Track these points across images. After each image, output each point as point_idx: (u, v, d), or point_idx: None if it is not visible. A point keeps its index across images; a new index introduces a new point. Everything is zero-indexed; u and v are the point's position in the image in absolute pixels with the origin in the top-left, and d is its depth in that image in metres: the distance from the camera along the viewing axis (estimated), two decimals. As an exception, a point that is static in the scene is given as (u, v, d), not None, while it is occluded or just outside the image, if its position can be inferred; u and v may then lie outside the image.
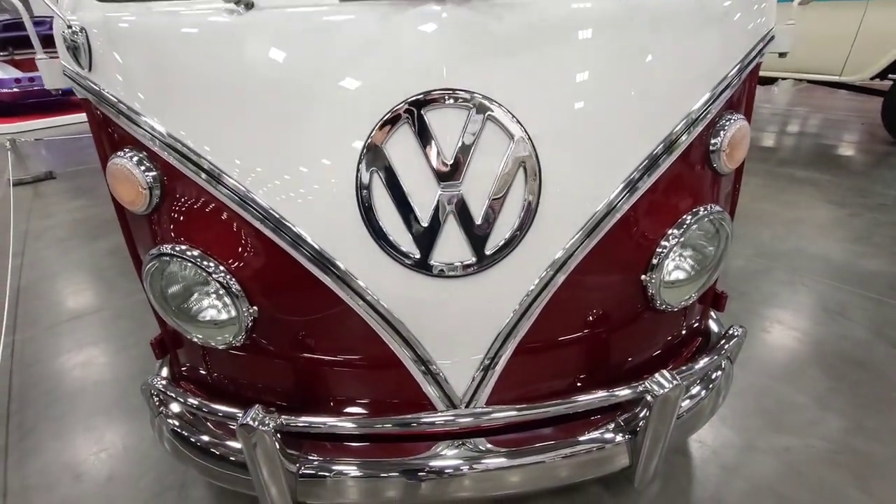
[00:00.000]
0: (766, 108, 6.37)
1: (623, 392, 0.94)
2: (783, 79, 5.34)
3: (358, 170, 0.81)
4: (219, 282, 0.88)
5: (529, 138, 0.82)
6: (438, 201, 0.82)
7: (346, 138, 0.81)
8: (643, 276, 0.96)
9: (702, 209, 0.96)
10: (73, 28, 0.86)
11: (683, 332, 1.18)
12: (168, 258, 0.89)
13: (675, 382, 0.92)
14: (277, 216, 0.83)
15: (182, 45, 0.84)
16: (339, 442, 0.99)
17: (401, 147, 0.80)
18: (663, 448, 0.97)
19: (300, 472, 0.94)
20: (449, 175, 0.81)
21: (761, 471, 1.32)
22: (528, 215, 0.85)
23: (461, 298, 0.89)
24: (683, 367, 1.02)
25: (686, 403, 1.05)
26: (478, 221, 0.83)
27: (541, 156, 0.83)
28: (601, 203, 0.87)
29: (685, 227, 0.94)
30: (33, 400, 1.67)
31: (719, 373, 1.12)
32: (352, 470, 0.93)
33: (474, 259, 0.85)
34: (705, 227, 0.99)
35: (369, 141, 0.80)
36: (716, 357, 1.06)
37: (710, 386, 1.09)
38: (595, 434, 0.99)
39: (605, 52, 0.85)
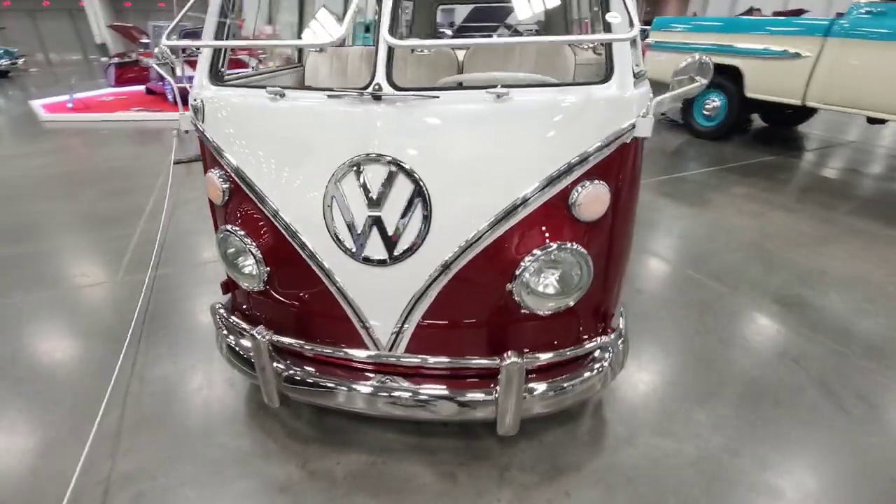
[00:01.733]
0: (881, 150, 5.82)
1: (479, 361, 1.42)
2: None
3: (324, 196, 1.38)
4: (251, 251, 1.52)
5: (425, 186, 1.32)
6: (366, 219, 1.36)
7: (320, 178, 1.38)
8: (508, 285, 1.41)
9: (556, 244, 1.37)
10: (196, 99, 1.55)
11: (557, 332, 1.58)
12: (228, 233, 1.55)
13: (515, 360, 1.37)
14: (283, 219, 1.44)
15: (245, 114, 1.49)
16: (309, 361, 1.59)
17: (348, 185, 1.36)
18: (513, 407, 1.42)
19: (284, 374, 1.55)
20: (374, 204, 1.35)
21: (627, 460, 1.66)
22: (422, 234, 1.36)
23: (382, 282, 1.43)
24: (541, 355, 1.45)
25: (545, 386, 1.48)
26: (390, 234, 1.37)
27: (432, 198, 1.33)
28: (472, 232, 1.35)
29: (539, 255, 1.37)
30: (162, 316, 2.53)
31: (590, 372, 1.52)
32: (313, 378, 1.52)
33: (387, 257, 1.38)
34: (559, 258, 1.40)
35: (332, 180, 1.37)
36: (569, 355, 1.47)
37: (580, 376, 1.50)
38: (472, 391, 1.47)
39: (481, 133, 1.33)
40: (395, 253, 1.38)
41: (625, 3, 1.35)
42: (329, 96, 1.37)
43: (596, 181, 1.38)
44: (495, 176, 1.36)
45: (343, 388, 1.51)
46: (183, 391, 1.97)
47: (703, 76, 1.42)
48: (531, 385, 1.48)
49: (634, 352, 2.10)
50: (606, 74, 1.38)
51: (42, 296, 2.71)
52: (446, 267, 1.39)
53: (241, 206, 1.56)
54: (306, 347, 1.54)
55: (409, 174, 1.33)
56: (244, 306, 1.79)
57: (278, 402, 1.58)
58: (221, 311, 1.73)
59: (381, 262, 1.40)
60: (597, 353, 1.58)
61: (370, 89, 1.30)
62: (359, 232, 1.39)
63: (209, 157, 1.62)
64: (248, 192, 1.50)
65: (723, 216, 3.76)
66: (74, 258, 3.22)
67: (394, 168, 1.33)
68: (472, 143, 1.34)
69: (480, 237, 1.36)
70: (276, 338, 1.53)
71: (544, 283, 1.43)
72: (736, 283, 2.76)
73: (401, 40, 1.23)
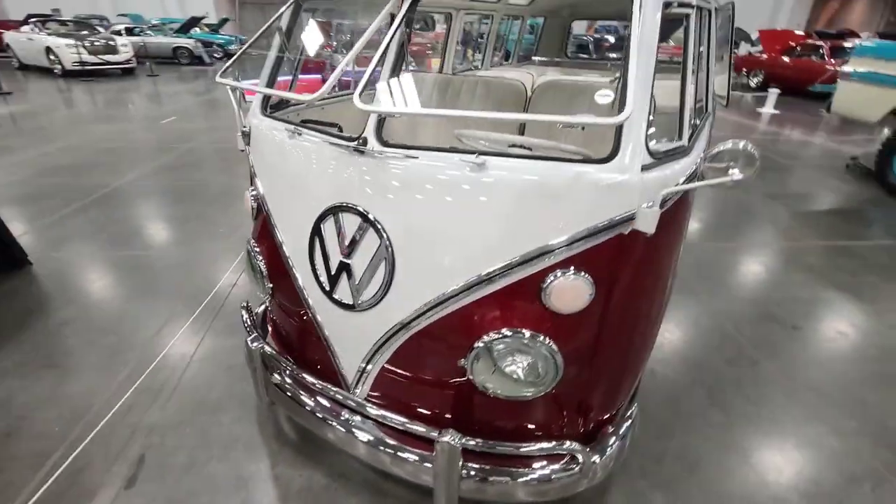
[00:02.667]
0: None
1: (417, 427, 1.37)
2: None
3: (311, 234, 1.45)
4: (259, 266, 1.68)
5: (390, 244, 1.31)
6: (339, 264, 1.40)
7: (311, 216, 1.46)
8: (461, 360, 1.32)
9: (514, 330, 1.24)
10: (247, 125, 1.75)
11: (517, 421, 1.43)
12: (249, 245, 1.74)
13: (448, 440, 1.29)
14: (284, 248, 1.57)
15: (271, 145, 1.63)
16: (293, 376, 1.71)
17: (328, 228, 1.41)
18: (444, 484, 1.35)
19: (271, 381, 1.69)
20: (346, 252, 1.38)
21: None
22: (383, 290, 1.35)
23: (350, 324, 1.46)
24: (482, 440, 1.34)
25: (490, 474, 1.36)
26: (356, 282, 1.39)
27: (395, 256, 1.31)
28: (430, 298, 1.29)
29: (494, 338, 1.25)
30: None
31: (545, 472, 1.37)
32: (292, 391, 1.63)
33: (353, 303, 1.41)
34: (519, 346, 1.26)
35: (315, 221, 1.43)
36: (522, 452, 1.34)
37: (530, 475, 1.36)
38: (413, 453, 1.43)
39: (451, 200, 1.25)
40: (359, 301, 1.40)
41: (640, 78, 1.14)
42: (330, 142, 1.43)
43: (575, 272, 1.21)
44: (461, 247, 1.28)
45: (313, 409, 1.60)
46: (226, 364, 2.28)
47: (743, 168, 1.13)
48: (473, 467, 1.38)
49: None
50: (611, 153, 1.18)
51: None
52: (403, 326, 1.36)
53: (261, 225, 1.73)
54: (286, 365, 1.66)
55: (378, 229, 1.33)
56: (263, 310, 2.00)
57: (267, 400, 1.74)
58: (245, 309, 1.94)
59: (349, 307, 1.43)
60: (575, 456, 1.39)
61: (356, 142, 1.32)
62: (332, 274, 1.44)
63: (250, 176, 1.83)
64: (266, 214, 1.66)
65: (885, 323, 2.82)
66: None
67: (364, 221, 1.34)
68: (441, 209, 1.27)
69: (437, 305, 1.30)
70: (266, 348, 1.68)
71: (502, 368, 1.32)
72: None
73: (370, 105, 1.20)
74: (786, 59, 12.03)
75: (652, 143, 1.25)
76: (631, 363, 1.52)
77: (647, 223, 1.17)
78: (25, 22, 12.98)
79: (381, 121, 1.32)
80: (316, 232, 1.44)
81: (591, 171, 1.18)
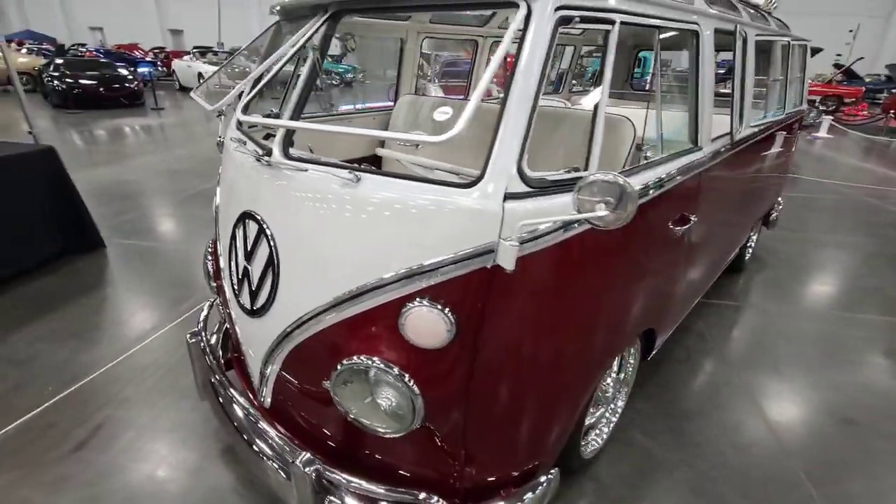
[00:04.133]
0: None
1: (266, 448, 1.33)
2: None
3: (230, 239, 1.52)
4: (207, 267, 1.80)
5: (276, 252, 1.32)
6: (243, 268, 1.45)
7: (231, 223, 1.53)
8: (325, 382, 1.27)
9: (368, 358, 1.16)
10: (222, 136, 1.90)
11: (389, 459, 1.32)
12: (206, 249, 1.87)
13: (300, 465, 1.24)
14: (220, 250, 1.66)
15: (227, 156, 1.74)
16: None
17: (239, 233, 1.47)
18: None
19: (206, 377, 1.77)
20: (247, 257, 1.42)
21: None
22: (272, 297, 1.36)
23: (251, 328, 1.49)
24: (338, 474, 1.26)
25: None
26: (253, 288, 1.42)
27: (280, 265, 1.32)
28: (302, 312, 1.27)
29: (346, 364, 1.19)
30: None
31: None
32: (219, 387, 1.68)
33: (251, 308, 1.44)
34: (376, 376, 1.18)
35: (233, 226, 1.50)
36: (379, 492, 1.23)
37: None
38: (277, 462, 1.39)
39: (322, 215, 1.23)
40: (256, 306, 1.42)
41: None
42: (256, 156, 1.48)
43: (432, 302, 1.11)
44: (335, 262, 1.24)
45: (224, 406, 1.64)
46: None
47: (617, 206, 0.96)
48: (334, 501, 1.30)
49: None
50: (478, 176, 1.08)
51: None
52: (286, 336, 1.35)
53: (215, 227, 1.85)
54: (214, 361, 1.73)
55: (268, 237, 1.35)
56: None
57: (200, 396, 1.82)
58: (208, 306, 2.06)
59: (248, 312, 1.46)
60: None
61: (263, 153, 1.37)
62: (239, 278, 1.49)
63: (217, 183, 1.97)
64: (216, 219, 1.78)
65: None
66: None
67: (259, 228, 1.37)
68: (318, 222, 1.25)
69: (311, 319, 1.27)
70: (202, 343, 1.77)
71: (355, 396, 1.23)
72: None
73: (250, 118, 1.24)
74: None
75: (542, 172, 1.12)
76: (531, 420, 1.33)
77: (506, 258, 1.04)
78: (188, 52, 15.66)
79: (289, 134, 1.36)
80: (233, 237, 1.51)
81: (455, 194, 1.08)
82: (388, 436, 1.23)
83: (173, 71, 15.73)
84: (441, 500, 1.24)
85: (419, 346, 1.15)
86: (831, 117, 11.18)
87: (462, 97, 3.26)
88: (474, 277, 1.09)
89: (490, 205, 1.04)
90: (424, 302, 1.11)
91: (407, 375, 1.15)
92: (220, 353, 1.83)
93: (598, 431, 1.89)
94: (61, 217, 3.38)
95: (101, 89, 10.97)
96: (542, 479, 1.39)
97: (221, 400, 1.62)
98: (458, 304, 1.11)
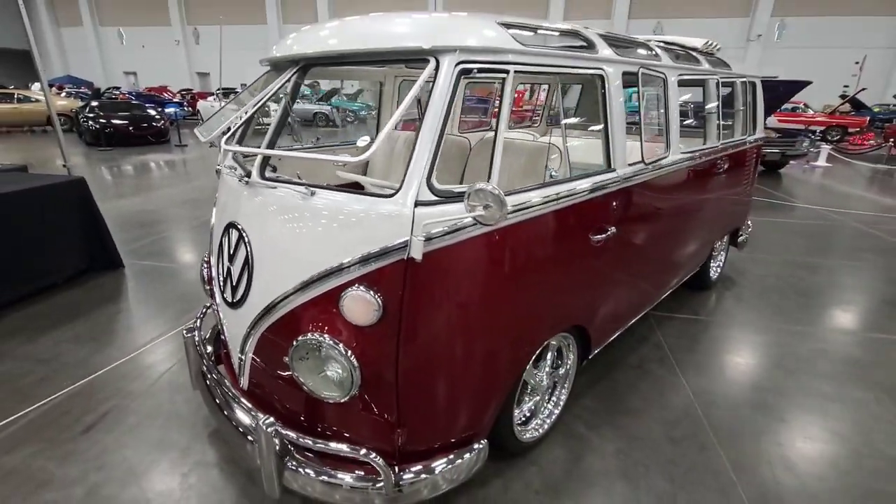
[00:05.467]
0: None
1: (244, 416, 1.61)
2: None
3: (218, 245, 1.86)
4: (203, 273, 2.13)
5: (252, 255, 1.65)
6: (227, 269, 1.77)
7: (220, 231, 1.87)
8: (285, 357, 1.56)
9: (317, 335, 1.45)
10: (220, 164, 2.28)
11: (338, 425, 1.58)
12: (203, 259, 2.21)
13: (265, 429, 1.51)
14: (212, 259, 2.00)
15: (226, 186, 2.10)
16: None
17: (224, 240, 1.81)
18: (265, 471, 1.55)
19: (198, 367, 2.08)
20: (230, 259, 1.75)
21: None
22: (247, 290, 1.67)
23: (232, 319, 1.80)
24: (293, 433, 1.53)
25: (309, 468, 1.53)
26: (233, 283, 1.74)
27: (255, 265, 1.64)
28: (267, 302, 1.58)
29: (301, 340, 1.48)
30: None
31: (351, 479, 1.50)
32: (210, 375, 1.98)
33: (231, 300, 1.75)
34: (323, 352, 1.46)
35: (220, 235, 1.84)
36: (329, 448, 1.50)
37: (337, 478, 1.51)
38: (251, 435, 1.66)
39: (287, 223, 1.55)
40: (236, 299, 1.74)
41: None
42: (239, 177, 1.84)
43: (365, 288, 1.41)
44: (294, 259, 1.55)
45: (210, 390, 1.93)
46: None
47: (490, 208, 1.26)
48: (298, 459, 1.56)
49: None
50: (398, 188, 1.40)
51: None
52: (258, 320, 1.65)
53: (210, 240, 2.20)
54: (204, 351, 2.03)
55: (246, 242, 1.68)
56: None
57: (193, 386, 2.12)
58: (206, 306, 2.40)
59: (230, 304, 1.78)
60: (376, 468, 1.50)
61: (245, 175, 1.72)
62: (224, 277, 1.81)
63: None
64: (211, 234, 2.13)
65: None
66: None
67: (239, 234, 1.70)
68: (286, 229, 1.58)
69: (276, 305, 1.58)
70: (196, 337, 2.08)
71: (312, 367, 1.52)
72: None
73: (233, 146, 1.61)
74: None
75: (447, 185, 1.43)
76: (454, 395, 1.59)
77: (416, 251, 1.34)
78: (212, 93, 16.75)
79: (265, 160, 1.71)
80: (220, 244, 1.85)
81: (380, 203, 1.40)
82: (332, 401, 1.50)
83: (198, 110, 16.80)
84: (379, 456, 1.50)
85: (355, 323, 1.44)
86: (829, 146, 11.37)
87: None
88: (396, 267, 1.39)
89: (404, 210, 1.36)
90: (360, 288, 1.41)
91: (345, 347, 1.43)
92: (212, 347, 2.14)
93: (539, 421, 2.13)
94: (88, 239, 3.80)
95: (131, 128, 11.84)
96: (470, 447, 1.63)
97: (208, 384, 1.92)
98: (384, 289, 1.41)
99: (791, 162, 10.80)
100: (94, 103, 12.56)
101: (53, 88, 18.63)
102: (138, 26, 27.46)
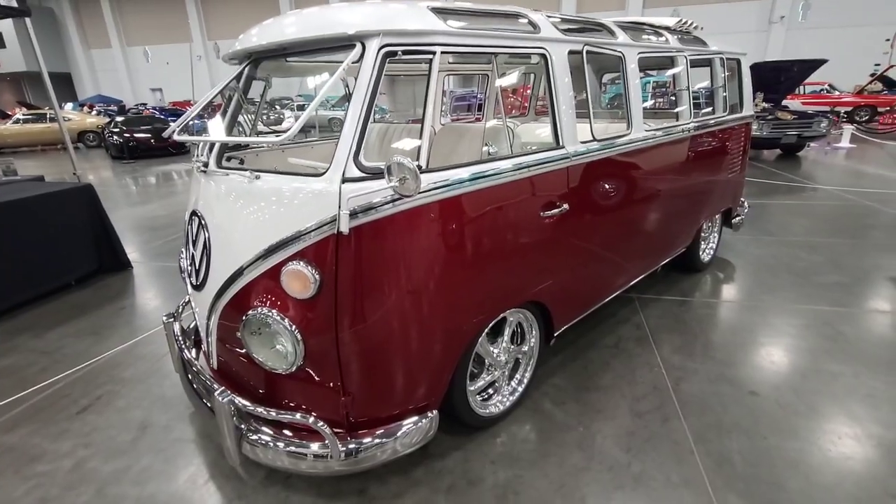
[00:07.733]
0: None
1: (218, 395, 1.73)
2: None
3: (186, 233, 1.99)
4: (180, 263, 2.27)
5: (209, 237, 1.76)
6: (191, 254, 1.90)
7: (187, 219, 2.00)
8: (238, 332, 1.66)
9: (262, 308, 1.55)
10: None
11: (287, 397, 1.68)
12: (181, 251, 2.35)
13: (220, 399, 1.62)
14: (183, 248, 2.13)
15: (193, 180, 2.24)
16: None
17: (190, 226, 1.93)
18: (225, 439, 1.65)
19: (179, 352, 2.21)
20: (193, 244, 1.87)
21: None
22: (207, 272, 1.79)
23: (199, 301, 1.92)
24: (247, 403, 1.64)
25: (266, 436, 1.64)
26: (196, 268, 1.86)
27: (212, 246, 1.76)
28: (223, 280, 1.69)
29: (250, 314, 1.58)
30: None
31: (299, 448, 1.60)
32: (187, 353, 2.12)
33: (195, 284, 1.87)
34: (268, 324, 1.56)
35: (187, 223, 1.96)
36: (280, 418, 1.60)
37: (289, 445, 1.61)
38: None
39: (238, 205, 1.67)
40: (198, 283, 1.86)
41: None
42: (199, 168, 1.96)
43: (302, 263, 1.50)
44: (245, 239, 1.66)
45: (186, 371, 2.06)
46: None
47: (407, 180, 1.33)
48: (254, 427, 1.66)
49: None
50: (328, 167, 1.48)
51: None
52: (217, 299, 1.76)
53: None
54: (182, 336, 2.16)
55: (205, 227, 1.80)
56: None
57: (175, 369, 2.26)
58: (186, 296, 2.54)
59: (195, 287, 1.90)
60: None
61: (203, 165, 1.84)
62: (189, 262, 1.94)
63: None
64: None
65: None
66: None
67: (199, 221, 1.82)
68: (235, 211, 1.69)
69: (230, 284, 1.68)
70: (175, 327, 2.21)
71: (258, 343, 1.62)
72: None
73: (185, 137, 1.73)
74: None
75: (376, 163, 1.51)
76: (396, 366, 1.65)
77: (343, 224, 1.42)
78: (231, 104, 17.30)
79: (221, 150, 1.83)
80: (187, 232, 1.97)
81: (313, 181, 1.49)
82: (281, 372, 1.60)
83: (218, 121, 17.38)
84: (326, 425, 1.58)
85: (295, 297, 1.53)
86: (853, 127, 10.93)
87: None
88: (328, 241, 1.47)
89: (332, 187, 1.44)
90: (299, 263, 1.50)
91: (287, 320, 1.53)
92: (193, 335, 2.27)
93: (501, 397, 2.17)
94: (97, 242, 4.04)
95: (153, 140, 12.36)
96: (418, 418, 1.70)
97: (185, 366, 2.05)
98: (319, 262, 1.49)
99: (810, 144, 10.44)
100: (119, 118, 13.17)
101: (84, 108, 19.59)
102: (162, 44, 28.56)
